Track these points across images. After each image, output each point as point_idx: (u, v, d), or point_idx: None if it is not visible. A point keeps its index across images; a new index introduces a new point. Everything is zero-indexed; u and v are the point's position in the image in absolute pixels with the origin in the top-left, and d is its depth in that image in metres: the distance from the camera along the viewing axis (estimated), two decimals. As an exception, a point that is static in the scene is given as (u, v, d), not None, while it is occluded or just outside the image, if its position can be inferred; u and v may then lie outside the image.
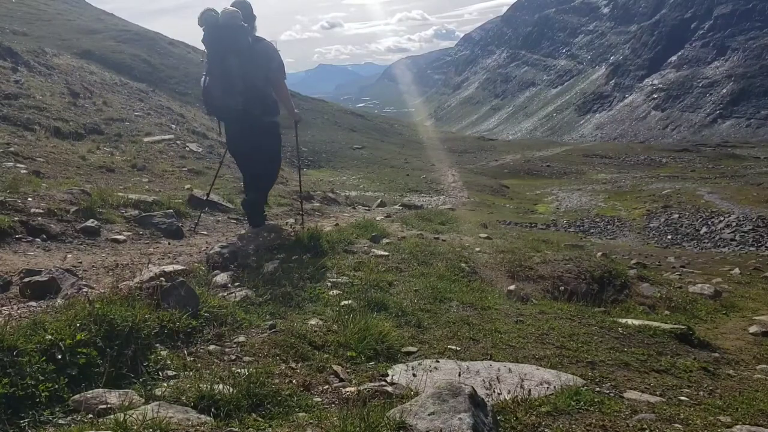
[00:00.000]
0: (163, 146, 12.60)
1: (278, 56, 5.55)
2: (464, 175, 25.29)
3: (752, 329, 5.28)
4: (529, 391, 2.79)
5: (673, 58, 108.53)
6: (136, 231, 5.91)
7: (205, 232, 6.55)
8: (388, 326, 3.57)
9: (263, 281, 4.25)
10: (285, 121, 5.96)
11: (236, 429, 2.16)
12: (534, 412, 2.56)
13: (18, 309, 3.23)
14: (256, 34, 5.56)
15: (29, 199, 5.79)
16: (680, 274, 8.73)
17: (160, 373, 2.63)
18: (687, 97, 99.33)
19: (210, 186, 7.44)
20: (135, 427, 1.98)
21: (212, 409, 2.29)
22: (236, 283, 4.10)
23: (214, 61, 5.34)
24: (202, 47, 5.59)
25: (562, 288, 6.04)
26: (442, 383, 2.28)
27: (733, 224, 15.23)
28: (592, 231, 16.14)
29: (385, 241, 6.45)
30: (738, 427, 2.62)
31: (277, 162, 6.05)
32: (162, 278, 3.64)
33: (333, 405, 2.54)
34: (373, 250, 5.91)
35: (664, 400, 3.01)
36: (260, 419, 2.29)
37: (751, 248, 13.14)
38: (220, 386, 2.40)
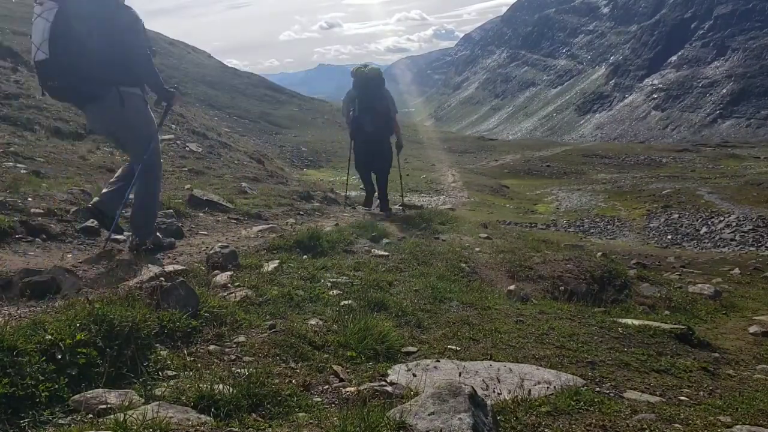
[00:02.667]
0: (163, 146, 12.58)
1: (393, 101, 8.71)
2: (464, 175, 25.26)
3: (752, 329, 5.28)
4: (529, 391, 2.79)
5: (673, 58, 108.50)
6: (136, 231, 5.90)
7: (205, 232, 6.54)
8: (388, 326, 3.56)
9: (263, 281, 4.25)
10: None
11: (236, 429, 2.16)
12: (534, 412, 2.56)
13: (18, 309, 3.22)
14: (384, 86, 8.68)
15: (29, 199, 5.79)
16: (680, 274, 8.74)
17: (160, 373, 2.62)
18: (687, 97, 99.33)
19: (346, 183, 11.12)
20: (135, 427, 1.98)
21: (212, 409, 2.28)
22: (236, 283, 4.09)
23: (362, 102, 8.45)
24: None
25: (562, 288, 6.03)
26: (442, 383, 2.28)
27: (733, 224, 15.23)
28: (592, 231, 16.13)
29: (385, 241, 6.45)
30: (738, 427, 2.62)
31: (391, 160, 9.06)
32: (162, 278, 3.64)
33: (333, 405, 2.53)
34: (373, 250, 5.91)
35: (664, 400, 3.01)
36: (260, 419, 2.29)
37: (751, 248, 13.13)
38: (220, 386, 2.39)
